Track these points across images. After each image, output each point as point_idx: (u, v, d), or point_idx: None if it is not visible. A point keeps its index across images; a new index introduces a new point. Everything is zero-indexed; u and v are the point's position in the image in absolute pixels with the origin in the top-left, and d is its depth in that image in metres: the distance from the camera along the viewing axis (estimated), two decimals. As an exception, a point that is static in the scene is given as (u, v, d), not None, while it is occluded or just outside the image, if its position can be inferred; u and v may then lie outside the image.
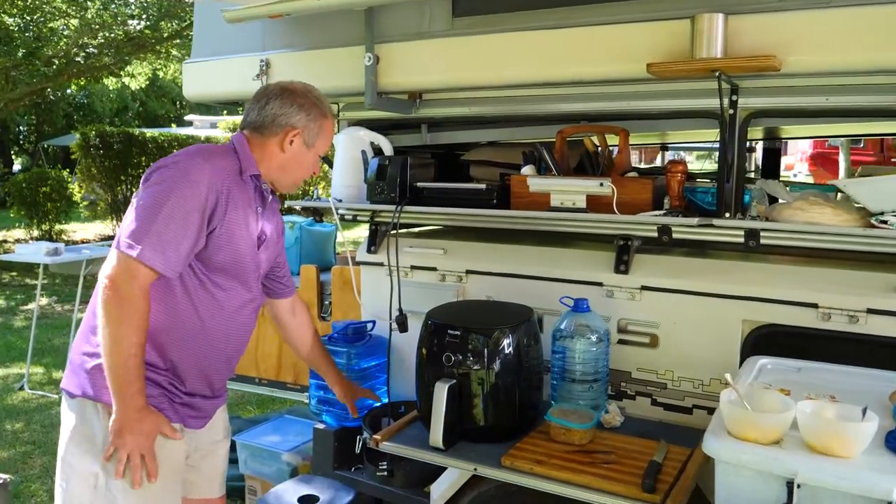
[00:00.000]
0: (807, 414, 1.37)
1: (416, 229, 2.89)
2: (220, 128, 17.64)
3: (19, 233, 13.43)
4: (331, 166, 2.75)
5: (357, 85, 2.49)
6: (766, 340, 2.06)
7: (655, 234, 2.12)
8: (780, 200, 2.04)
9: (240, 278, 1.94)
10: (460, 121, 2.76)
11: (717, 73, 1.92)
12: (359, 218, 2.72)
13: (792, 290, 2.02)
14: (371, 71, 2.43)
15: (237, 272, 1.92)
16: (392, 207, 2.43)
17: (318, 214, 2.77)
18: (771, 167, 3.57)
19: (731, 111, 2.10)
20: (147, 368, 1.83)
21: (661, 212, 2.07)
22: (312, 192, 2.71)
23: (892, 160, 14.42)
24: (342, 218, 2.70)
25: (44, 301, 8.41)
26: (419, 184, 2.49)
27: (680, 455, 1.89)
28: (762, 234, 1.98)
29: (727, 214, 2.11)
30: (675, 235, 2.10)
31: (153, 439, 1.81)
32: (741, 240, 2.03)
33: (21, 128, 23.57)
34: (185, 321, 1.87)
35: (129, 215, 1.79)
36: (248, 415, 4.54)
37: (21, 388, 5.36)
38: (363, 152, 2.58)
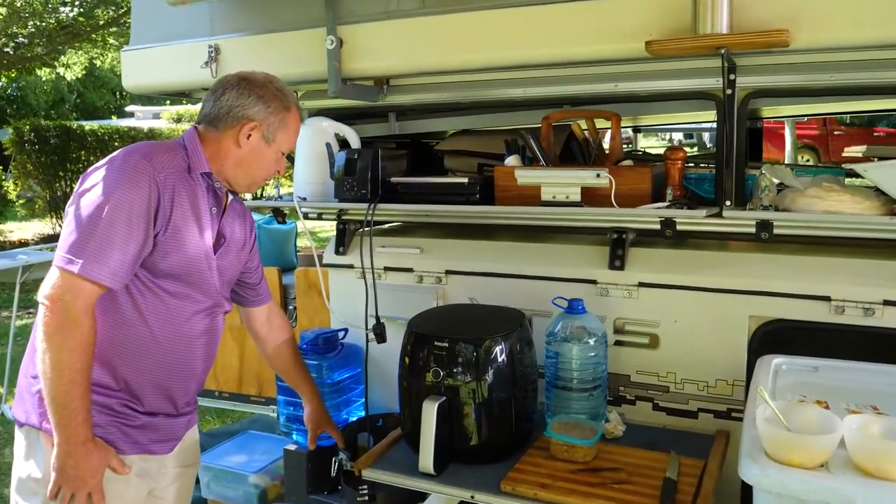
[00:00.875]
0: (857, 433, 1.21)
1: (386, 226, 2.68)
2: (164, 118, 17.02)
3: (-49, 234, 12.76)
4: (292, 162, 2.52)
5: (318, 71, 2.26)
6: (774, 337, 1.93)
7: (657, 227, 1.95)
8: (789, 187, 1.89)
9: (194, 284, 1.75)
10: (431, 108, 2.56)
11: (722, 51, 1.75)
12: (324, 216, 2.50)
13: (802, 282, 1.89)
14: (334, 55, 2.21)
15: (189, 278, 1.73)
16: (364, 206, 2.22)
17: (280, 214, 2.54)
18: (753, 149, 3.44)
19: (730, 91, 1.94)
20: (97, 391, 1.65)
21: (666, 203, 1.91)
22: (274, 188, 2.48)
23: (835, 133, 14.74)
24: (306, 216, 2.48)
25: (-20, 308, 7.94)
26: (393, 179, 2.27)
27: (693, 468, 1.75)
28: (776, 224, 1.83)
29: (728, 203, 1.95)
30: (679, 228, 1.94)
31: (101, 475, 1.63)
32: (752, 231, 1.88)
33: (-50, 123, 22.48)
34: (133, 333, 1.69)
35: (66, 226, 1.60)
36: (209, 426, 4.28)
37: (-49, 406, 4.99)
38: (328, 145, 2.35)
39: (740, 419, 1.94)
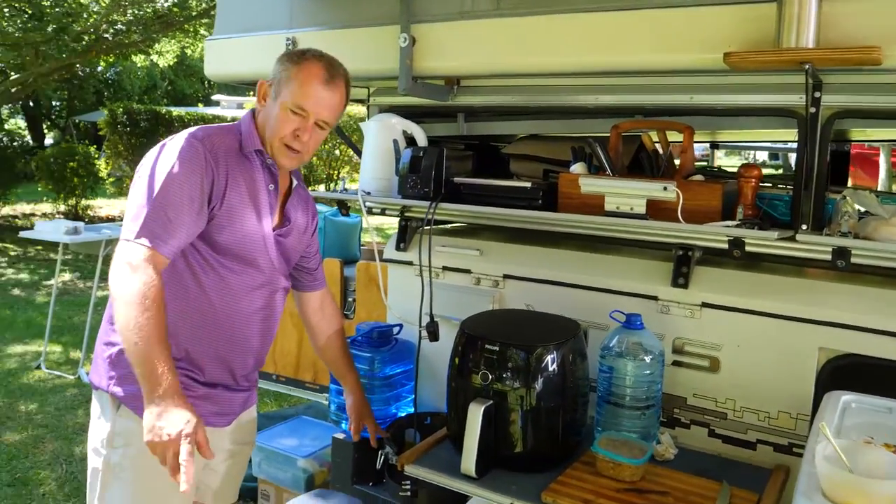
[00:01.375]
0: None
1: (448, 226, 2.67)
2: (247, 108, 17.52)
3: (46, 207, 13.49)
4: (359, 154, 2.54)
5: (390, 68, 2.26)
6: (844, 372, 1.82)
7: (725, 247, 1.88)
8: (873, 214, 1.78)
9: (250, 260, 1.80)
10: (501, 110, 2.53)
11: (806, 67, 1.67)
12: (388, 212, 2.52)
13: (880, 316, 1.76)
14: (406, 53, 2.21)
15: (244, 254, 1.79)
16: (425, 204, 2.22)
17: (344, 207, 2.57)
18: (837, 173, 3.28)
19: (813, 109, 1.85)
20: None
21: (735, 222, 1.83)
22: (339, 181, 2.51)
23: (939, 163, 13.86)
24: (370, 211, 2.50)
25: (66, 277, 8.37)
26: (456, 179, 2.26)
27: (747, 501, 1.67)
28: (855, 253, 1.73)
29: (804, 227, 1.86)
30: (748, 249, 1.86)
31: (198, 427, 1.55)
32: (827, 258, 1.79)
33: (54, 103, 23.72)
34: (194, 305, 1.76)
35: (128, 202, 1.70)
36: (265, 408, 4.39)
37: (38, 367, 5.30)
38: (395, 142, 2.36)
39: (802, 455, 1.85)
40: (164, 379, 1.55)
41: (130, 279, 1.60)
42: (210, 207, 1.71)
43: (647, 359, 1.86)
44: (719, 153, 5.21)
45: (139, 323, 1.59)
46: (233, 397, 1.89)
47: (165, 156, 1.70)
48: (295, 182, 1.94)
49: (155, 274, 1.63)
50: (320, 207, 3.63)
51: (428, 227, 2.24)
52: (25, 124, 22.67)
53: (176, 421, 1.52)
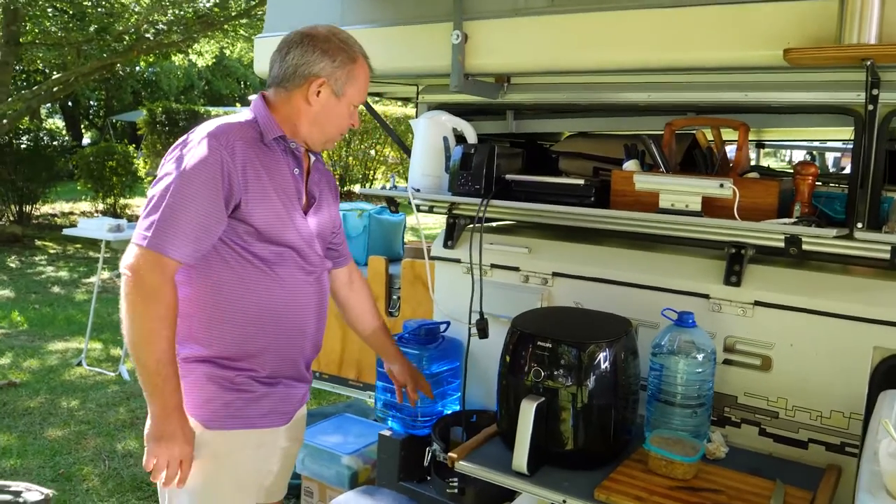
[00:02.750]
0: None
1: (494, 224, 2.69)
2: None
3: (85, 205, 13.76)
4: (408, 153, 2.56)
5: (441, 65, 2.27)
6: (901, 372, 1.80)
7: (781, 245, 1.86)
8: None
9: (290, 250, 1.77)
10: (550, 108, 2.53)
11: (868, 63, 1.65)
12: (435, 210, 2.53)
13: (938, 316, 1.75)
14: (458, 50, 2.22)
15: (284, 245, 1.75)
16: (476, 201, 2.23)
17: (393, 204, 2.59)
18: (894, 173, 3.19)
19: (871, 107, 1.83)
20: (218, 366, 1.72)
21: (792, 219, 1.82)
22: (388, 179, 2.53)
23: None
24: (418, 208, 2.52)
25: (105, 275, 8.51)
26: (508, 176, 2.27)
27: (800, 500, 1.66)
28: (914, 251, 1.72)
29: (859, 224, 1.84)
30: (804, 247, 1.84)
31: (193, 445, 1.69)
32: (885, 256, 1.77)
33: (91, 102, 24.18)
34: (246, 305, 1.73)
35: (144, 205, 1.67)
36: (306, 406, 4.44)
37: (79, 364, 5.39)
38: (445, 139, 2.38)
39: (855, 454, 1.83)
40: (174, 395, 1.64)
41: (145, 289, 1.59)
42: (235, 202, 1.67)
43: (699, 357, 1.85)
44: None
45: (151, 337, 1.60)
46: (295, 391, 1.86)
47: (180, 156, 1.66)
48: (313, 158, 1.89)
49: (163, 282, 1.60)
50: (364, 205, 3.67)
51: (479, 224, 2.25)
52: (63, 123, 23.15)
53: (182, 436, 1.66)
